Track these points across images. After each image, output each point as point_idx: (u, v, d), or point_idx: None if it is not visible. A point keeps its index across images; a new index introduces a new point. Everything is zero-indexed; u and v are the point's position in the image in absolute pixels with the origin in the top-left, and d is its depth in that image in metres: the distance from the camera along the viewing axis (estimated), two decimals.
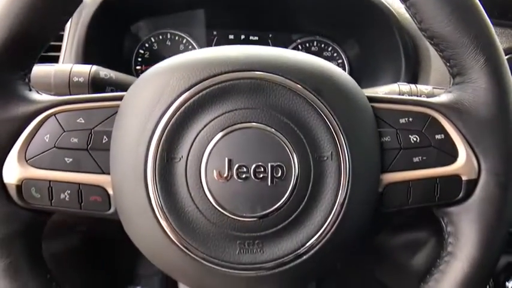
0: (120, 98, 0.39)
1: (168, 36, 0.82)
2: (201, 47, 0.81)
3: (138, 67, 0.81)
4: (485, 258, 0.40)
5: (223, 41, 0.83)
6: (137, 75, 0.67)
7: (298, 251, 0.37)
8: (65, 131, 0.38)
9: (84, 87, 0.50)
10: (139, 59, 0.81)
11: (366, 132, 0.38)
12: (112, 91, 0.53)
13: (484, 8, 0.39)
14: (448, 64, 0.41)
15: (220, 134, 0.36)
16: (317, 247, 0.37)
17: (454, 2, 0.38)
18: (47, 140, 0.37)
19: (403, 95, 0.55)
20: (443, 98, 0.41)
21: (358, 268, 1.01)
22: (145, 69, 0.42)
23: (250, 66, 0.37)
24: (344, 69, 0.82)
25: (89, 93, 0.51)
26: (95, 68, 0.52)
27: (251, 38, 0.83)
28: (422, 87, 0.53)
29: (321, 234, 0.37)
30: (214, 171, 0.35)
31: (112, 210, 0.39)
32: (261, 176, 0.35)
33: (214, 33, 0.83)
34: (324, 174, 0.37)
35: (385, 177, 0.39)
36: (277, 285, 0.39)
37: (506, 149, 0.39)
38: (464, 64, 0.39)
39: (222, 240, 0.36)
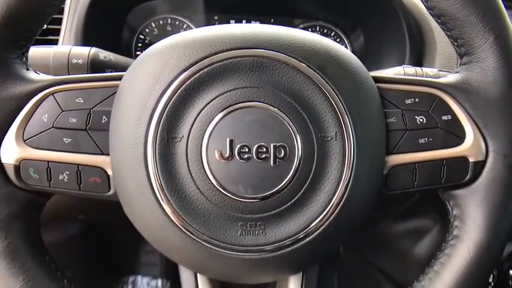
0: (119, 78, 0.38)
1: (169, 21, 0.81)
2: None
3: (138, 52, 0.80)
4: (492, 241, 0.39)
5: None
6: None
7: (301, 233, 0.36)
8: (63, 111, 0.37)
9: (83, 69, 0.49)
10: (140, 44, 0.80)
11: (371, 112, 0.37)
12: None
13: None
14: (455, 44, 0.40)
15: (221, 114, 0.35)
16: (320, 229, 0.36)
17: None
18: (45, 120, 0.37)
19: None
20: (451, 78, 0.40)
21: (359, 257, 1.01)
22: None
23: (253, 44, 0.36)
24: None
25: None
26: (94, 49, 0.51)
27: (253, 22, 0.82)
28: (427, 70, 0.52)
29: (324, 216, 0.36)
30: (216, 151, 0.35)
31: (111, 191, 0.38)
32: (263, 156, 0.35)
33: (216, 18, 0.82)
34: (327, 154, 0.36)
35: (390, 159, 0.39)
36: (279, 268, 0.39)
37: None
38: (473, 43, 0.38)
39: (223, 221, 0.36)
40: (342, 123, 0.36)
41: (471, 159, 0.39)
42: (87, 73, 0.50)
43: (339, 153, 0.36)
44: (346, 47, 0.82)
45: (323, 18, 0.82)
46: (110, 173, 0.37)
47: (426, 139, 0.39)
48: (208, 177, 0.35)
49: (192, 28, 0.81)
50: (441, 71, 0.53)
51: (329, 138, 0.36)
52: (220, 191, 0.35)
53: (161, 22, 0.81)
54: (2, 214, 0.36)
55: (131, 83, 0.37)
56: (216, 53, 0.35)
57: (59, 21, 0.66)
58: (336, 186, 0.36)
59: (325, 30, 0.83)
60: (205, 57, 0.35)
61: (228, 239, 0.36)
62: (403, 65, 0.53)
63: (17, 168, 0.36)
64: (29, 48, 0.39)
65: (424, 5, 0.39)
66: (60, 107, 0.37)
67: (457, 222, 0.41)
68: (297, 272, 0.42)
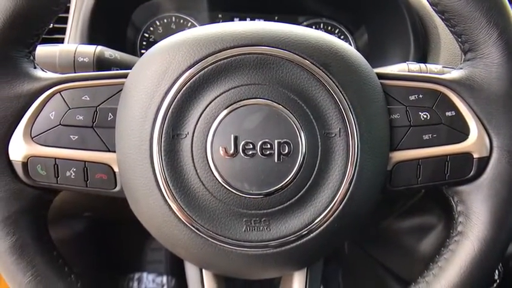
0: (125, 76, 0.38)
1: (173, 20, 0.81)
2: None
3: (143, 51, 0.80)
4: (497, 237, 0.39)
5: None
6: None
7: (305, 229, 0.36)
8: (70, 108, 0.37)
9: (89, 67, 0.50)
10: (144, 43, 0.80)
11: (375, 108, 0.38)
12: None
13: None
14: (459, 40, 0.40)
15: (226, 111, 0.35)
16: (324, 225, 0.36)
17: None
18: (52, 117, 0.37)
19: None
20: (454, 74, 0.40)
21: (364, 253, 1.01)
22: None
23: (257, 41, 0.36)
24: None
25: None
26: (99, 48, 0.51)
27: (257, 20, 0.82)
28: (432, 66, 0.52)
29: (328, 212, 0.36)
30: (220, 147, 0.35)
31: (118, 188, 0.38)
32: (268, 152, 0.35)
33: (220, 16, 0.82)
34: (331, 151, 0.36)
35: (394, 155, 0.39)
36: (284, 263, 0.39)
37: None
38: (477, 39, 0.38)
39: (228, 217, 0.36)
40: (345, 120, 0.36)
41: (475, 155, 0.39)
42: (93, 71, 0.50)
43: (342, 150, 0.36)
44: (350, 44, 0.82)
45: (327, 16, 0.82)
46: (116, 169, 0.38)
47: (430, 135, 0.39)
48: (213, 173, 0.35)
49: (196, 26, 0.81)
50: (445, 67, 0.53)
51: (333, 135, 0.36)
52: (225, 187, 0.35)
53: (165, 20, 0.81)
54: (10, 210, 0.37)
55: (137, 81, 0.37)
56: (220, 51, 0.35)
57: (65, 20, 0.67)
58: (339, 183, 0.36)
59: (329, 28, 0.83)
60: (209, 55, 0.35)
61: (232, 235, 0.36)
62: (407, 62, 0.53)
63: (25, 165, 0.37)
64: (36, 46, 0.39)
65: (428, 2, 0.39)
66: (67, 105, 0.37)
67: (461, 218, 0.41)
68: (302, 268, 0.43)
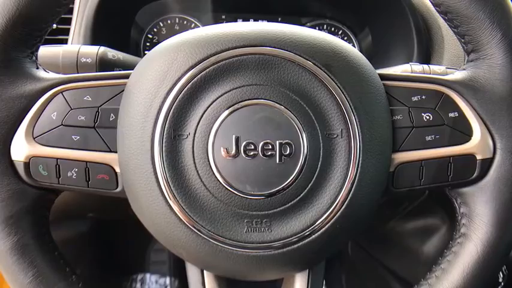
0: (126, 76, 0.38)
1: (177, 21, 0.81)
2: None
3: (146, 52, 0.80)
4: (500, 239, 0.39)
5: None
6: None
7: (306, 230, 0.36)
8: (72, 109, 0.37)
9: (91, 68, 0.50)
10: (148, 44, 0.81)
11: (377, 109, 0.37)
12: None
13: None
14: (462, 40, 0.40)
15: (227, 111, 0.35)
16: (326, 226, 0.36)
17: None
18: (54, 118, 0.37)
19: None
20: (457, 75, 0.40)
21: (368, 255, 1.00)
22: None
23: (259, 42, 0.36)
24: None
25: None
26: (102, 49, 0.51)
27: (260, 21, 0.82)
28: (435, 67, 0.52)
29: (330, 213, 0.36)
30: (222, 148, 0.35)
31: (119, 188, 0.38)
32: (269, 153, 0.35)
33: (223, 17, 0.82)
34: (333, 152, 0.36)
35: (396, 157, 0.38)
36: (285, 265, 0.39)
37: None
38: (480, 40, 0.38)
39: (229, 218, 0.36)
40: (347, 121, 0.36)
41: (478, 157, 0.39)
42: (96, 72, 0.50)
43: (344, 151, 0.36)
44: (353, 45, 0.82)
45: (330, 17, 0.82)
46: (117, 170, 0.38)
47: (433, 136, 0.39)
48: (214, 174, 0.35)
49: (199, 27, 0.81)
50: (449, 68, 0.53)
51: (335, 136, 0.36)
52: (226, 188, 0.35)
53: (169, 21, 0.81)
54: (12, 210, 0.37)
55: (138, 81, 0.37)
56: (222, 51, 0.35)
57: (69, 21, 0.67)
58: (341, 184, 0.36)
59: (333, 29, 0.83)
60: (211, 55, 0.35)
61: (234, 236, 0.36)
62: (410, 63, 0.53)
63: (26, 165, 0.37)
64: (38, 47, 0.39)
65: (431, 2, 0.39)
66: (69, 105, 0.37)
67: (464, 220, 0.40)
68: (303, 270, 0.42)
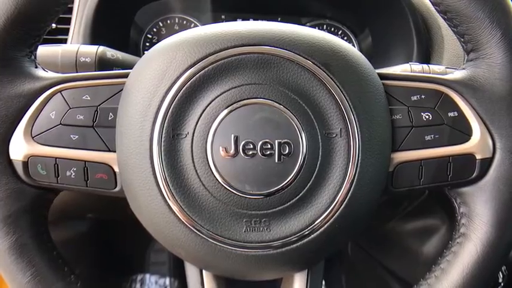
0: (125, 76, 0.38)
1: (176, 21, 0.81)
2: None
3: (146, 52, 0.80)
4: (500, 239, 0.38)
5: None
6: None
7: (306, 229, 0.36)
8: (70, 108, 0.37)
9: (90, 67, 0.50)
10: (148, 44, 0.81)
11: (376, 109, 0.37)
12: None
13: None
14: (462, 40, 0.39)
15: (226, 110, 0.35)
16: (325, 226, 0.36)
17: None
18: (53, 117, 0.37)
19: None
20: (457, 74, 0.40)
21: (368, 256, 1.00)
22: None
23: (258, 41, 0.36)
24: None
25: None
26: (101, 48, 0.51)
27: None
28: (434, 67, 0.52)
29: (329, 213, 0.36)
30: (221, 147, 0.35)
31: (118, 188, 0.38)
32: (268, 153, 0.35)
33: (223, 17, 0.82)
34: (332, 151, 0.36)
35: (396, 156, 0.38)
36: (284, 264, 0.39)
37: None
38: (479, 39, 0.38)
39: (228, 218, 0.36)
40: (346, 120, 0.36)
41: (478, 156, 0.38)
42: (95, 71, 0.50)
43: (343, 150, 0.36)
44: (353, 45, 0.82)
45: (330, 17, 0.82)
46: (116, 169, 0.38)
47: (432, 136, 0.38)
48: (213, 173, 0.35)
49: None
50: (449, 68, 0.52)
51: (334, 135, 0.36)
52: (225, 188, 0.35)
53: (169, 21, 0.81)
54: (10, 210, 0.37)
55: (137, 80, 0.37)
56: (221, 50, 0.35)
57: (68, 21, 0.67)
58: (340, 183, 0.36)
59: (333, 29, 0.83)
60: (210, 54, 0.35)
61: (232, 236, 0.36)
62: (410, 63, 0.53)
63: (25, 164, 0.37)
64: (37, 46, 0.39)
65: (431, 2, 0.39)
66: (68, 104, 0.37)
67: (464, 220, 0.40)
68: (302, 269, 0.42)
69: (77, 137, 0.37)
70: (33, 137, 0.37)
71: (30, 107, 0.37)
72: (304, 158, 0.35)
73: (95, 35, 0.66)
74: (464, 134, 0.39)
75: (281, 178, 0.35)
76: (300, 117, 0.35)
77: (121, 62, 0.52)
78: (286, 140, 0.35)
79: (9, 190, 0.37)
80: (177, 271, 1.08)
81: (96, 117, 0.37)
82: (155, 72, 0.36)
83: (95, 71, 0.50)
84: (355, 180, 0.36)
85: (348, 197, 0.36)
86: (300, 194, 0.36)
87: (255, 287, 0.49)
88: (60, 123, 0.37)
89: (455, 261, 0.39)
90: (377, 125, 0.37)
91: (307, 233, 0.36)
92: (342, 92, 0.36)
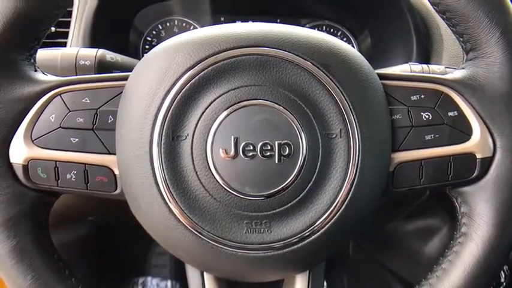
0: (125, 78, 0.38)
1: (175, 23, 0.81)
2: None
3: (145, 54, 0.80)
4: (501, 239, 0.38)
5: None
6: None
7: (306, 231, 0.36)
8: (70, 111, 0.37)
9: (90, 70, 0.50)
10: (147, 47, 0.81)
11: (376, 109, 0.37)
12: None
13: None
14: (461, 39, 0.39)
15: (226, 112, 0.35)
16: (326, 227, 0.36)
17: None
18: (53, 120, 0.37)
19: None
20: (457, 74, 0.40)
21: (369, 256, 1.00)
22: None
23: (257, 42, 0.36)
24: None
25: None
26: (101, 51, 0.51)
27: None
28: (434, 67, 0.52)
29: (330, 214, 0.36)
30: (221, 149, 0.35)
31: (118, 190, 0.38)
32: (268, 154, 0.35)
33: (222, 19, 0.82)
34: (332, 152, 0.36)
35: (396, 156, 0.38)
36: (285, 266, 0.39)
37: None
38: (478, 38, 0.38)
39: (229, 219, 0.36)
40: (346, 121, 0.36)
41: (478, 156, 0.38)
42: (94, 74, 0.50)
43: (343, 151, 0.36)
44: (353, 46, 0.82)
45: (329, 18, 0.82)
46: (116, 172, 0.38)
47: (432, 136, 0.38)
48: (213, 175, 0.35)
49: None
50: (448, 68, 0.52)
51: (334, 136, 0.36)
52: (226, 189, 0.35)
53: (168, 24, 0.81)
54: (11, 213, 0.37)
55: (137, 83, 0.37)
56: (220, 52, 0.35)
57: (68, 24, 0.67)
58: (341, 184, 0.36)
59: (332, 30, 0.83)
60: (209, 56, 0.35)
61: (233, 237, 0.36)
62: (409, 63, 0.53)
63: (25, 168, 0.37)
64: (37, 50, 0.39)
65: (429, 1, 0.39)
66: (67, 107, 0.37)
67: (465, 220, 0.40)
68: (304, 271, 0.42)
69: (76, 140, 0.37)
70: (33, 141, 0.37)
71: (30, 110, 0.37)
72: (304, 159, 0.35)
73: (94, 38, 0.66)
74: (465, 133, 0.39)
75: (281, 179, 0.35)
76: (300, 118, 0.35)
77: (120, 65, 0.53)
78: (286, 141, 0.35)
79: (10, 194, 0.37)
80: (179, 273, 1.08)
81: (96, 120, 0.37)
82: (154, 74, 0.36)
83: (95, 74, 0.50)
84: (355, 180, 0.36)
85: (348, 198, 0.36)
86: (301, 195, 0.36)
87: None
88: (60, 126, 0.37)
89: (457, 261, 0.39)
90: (377, 125, 0.37)
91: (308, 234, 0.36)
92: (341, 92, 0.36)
